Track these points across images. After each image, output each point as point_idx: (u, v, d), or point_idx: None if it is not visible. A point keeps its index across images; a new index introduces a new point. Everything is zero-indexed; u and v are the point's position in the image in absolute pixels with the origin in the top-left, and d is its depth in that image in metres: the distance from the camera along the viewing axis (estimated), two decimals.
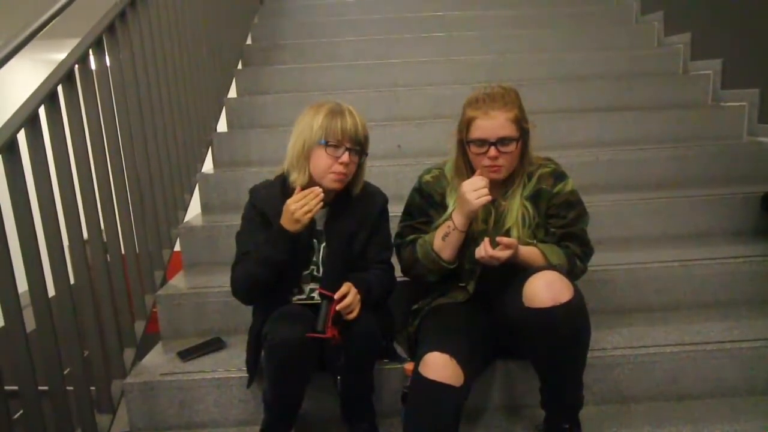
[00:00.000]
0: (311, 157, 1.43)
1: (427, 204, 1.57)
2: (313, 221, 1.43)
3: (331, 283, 1.35)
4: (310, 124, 1.43)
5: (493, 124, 1.42)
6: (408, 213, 1.61)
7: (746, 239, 2.09)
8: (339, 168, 1.41)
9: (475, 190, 1.38)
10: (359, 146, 1.45)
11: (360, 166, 1.49)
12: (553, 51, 3.22)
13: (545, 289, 1.26)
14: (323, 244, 1.50)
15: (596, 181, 2.40)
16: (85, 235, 1.57)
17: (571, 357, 1.33)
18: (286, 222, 1.38)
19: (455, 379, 1.26)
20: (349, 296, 1.31)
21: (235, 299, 1.51)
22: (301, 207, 1.35)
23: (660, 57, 3.12)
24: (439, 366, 1.27)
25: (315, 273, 1.51)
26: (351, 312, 1.31)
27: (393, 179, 2.37)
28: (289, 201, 1.38)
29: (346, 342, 1.33)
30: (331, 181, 1.43)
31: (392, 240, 1.63)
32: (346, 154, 1.42)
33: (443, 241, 1.46)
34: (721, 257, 1.90)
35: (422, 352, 1.31)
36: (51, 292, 1.37)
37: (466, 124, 1.46)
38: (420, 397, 1.31)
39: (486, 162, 1.44)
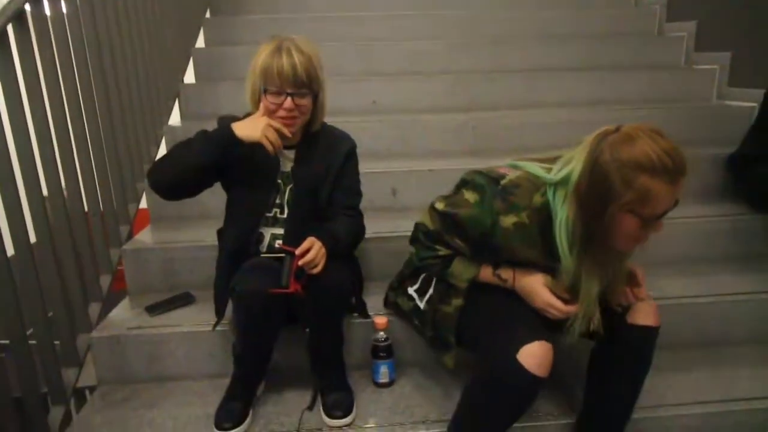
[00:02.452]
0: (260, 100, 1.38)
1: (487, 244, 1.23)
2: (276, 158, 1.40)
3: (297, 232, 1.34)
4: (254, 66, 1.36)
5: (676, 194, 1.07)
6: (457, 227, 1.26)
7: (712, 199, 2.14)
8: (282, 113, 1.36)
9: (551, 306, 1.20)
10: (304, 89, 1.36)
11: (317, 104, 1.44)
12: (529, 8, 3.17)
13: (654, 310, 1.27)
14: (290, 187, 1.47)
15: (569, 140, 2.36)
16: (45, 191, 1.51)
17: (642, 380, 1.30)
18: (240, 125, 1.34)
19: (549, 371, 1.14)
20: (312, 251, 1.30)
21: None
22: (271, 128, 1.33)
23: (636, 17, 3.10)
24: (545, 359, 1.11)
25: (278, 215, 1.48)
26: (315, 267, 1.30)
27: (369, 135, 2.34)
28: (264, 117, 1.35)
29: (313, 295, 1.33)
30: (280, 123, 1.38)
31: (359, 195, 1.60)
32: (288, 99, 1.35)
33: (482, 275, 1.29)
34: (688, 216, 1.94)
35: (519, 339, 1.13)
36: (11, 251, 1.33)
37: (641, 195, 1.04)
38: (511, 388, 1.14)
39: (641, 238, 1.11)
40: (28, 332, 1.38)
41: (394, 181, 2.13)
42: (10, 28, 1.37)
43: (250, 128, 1.34)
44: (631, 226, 1.08)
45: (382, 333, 1.50)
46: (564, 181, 1.13)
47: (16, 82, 1.39)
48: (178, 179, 1.38)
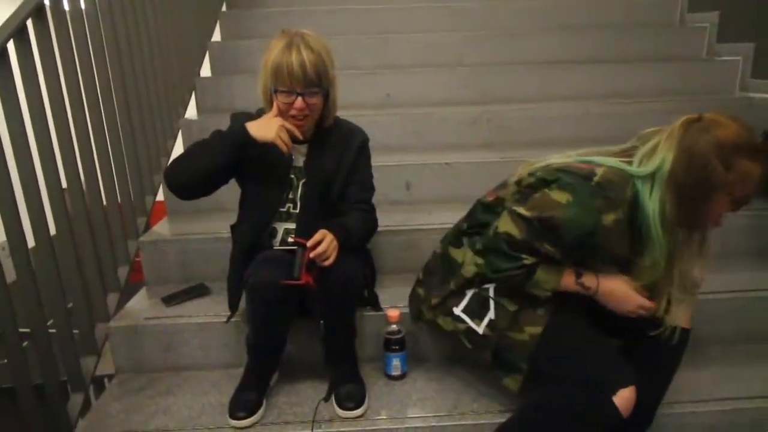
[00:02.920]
0: (273, 99, 1.39)
1: (584, 245, 1.20)
2: (290, 157, 1.42)
3: (309, 226, 1.34)
4: (265, 63, 1.36)
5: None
6: (551, 231, 1.18)
7: None
8: (294, 113, 1.38)
9: (642, 308, 1.24)
10: (315, 87, 1.36)
11: (328, 101, 1.43)
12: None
13: (689, 314, 1.32)
14: (303, 181, 1.48)
15: (585, 134, 2.38)
16: (64, 183, 1.54)
17: (672, 378, 1.35)
18: (254, 125, 1.36)
19: None
20: (323, 243, 1.30)
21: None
22: (284, 129, 1.35)
23: (656, 7, 3.04)
24: (632, 402, 1.16)
25: (291, 210, 1.49)
26: (327, 259, 1.31)
27: (382, 129, 2.34)
28: (278, 118, 1.37)
29: (325, 287, 1.34)
30: (291, 124, 1.40)
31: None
32: (300, 99, 1.35)
33: (564, 283, 1.25)
34: None
35: (615, 380, 1.16)
36: (31, 242, 1.36)
37: (741, 176, 1.08)
38: (599, 426, 1.18)
39: (723, 218, 1.17)
40: (49, 322, 1.42)
41: (408, 175, 2.13)
42: (29, 23, 1.39)
43: (264, 128, 1.36)
44: (724, 207, 1.12)
45: (394, 326, 1.51)
46: (653, 173, 1.14)
47: (36, 77, 1.41)
48: (195, 180, 1.40)
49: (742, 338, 1.66)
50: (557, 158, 1.29)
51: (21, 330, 1.33)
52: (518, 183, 1.32)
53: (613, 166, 1.18)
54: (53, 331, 1.45)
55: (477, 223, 1.38)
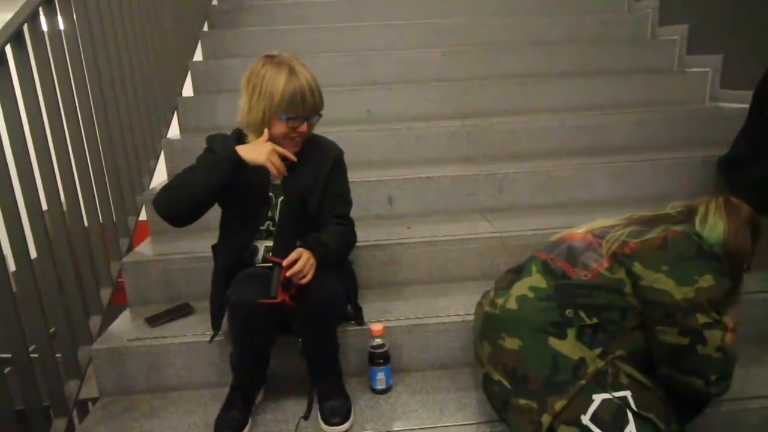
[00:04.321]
0: (271, 126, 1.43)
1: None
2: (267, 174, 1.43)
3: (285, 244, 1.36)
4: (269, 93, 1.38)
5: None
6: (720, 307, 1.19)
7: None
8: (296, 135, 1.44)
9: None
10: (320, 110, 1.46)
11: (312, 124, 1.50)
12: (522, 15, 3.21)
13: None
14: (281, 199, 1.50)
15: (561, 145, 2.44)
16: (45, 205, 1.54)
17: None
18: (245, 149, 1.39)
19: None
20: (299, 262, 1.31)
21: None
22: (276, 153, 1.38)
23: (629, 22, 3.13)
24: None
25: (271, 228, 1.51)
26: (304, 277, 1.32)
27: (364, 144, 2.37)
28: (269, 143, 1.40)
29: (303, 305, 1.35)
30: (288, 147, 1.45)
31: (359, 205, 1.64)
32: (305, 124, 1.43)
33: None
34: None
35: None
36: (12, 266, 1.36)
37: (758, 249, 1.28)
38: None
39: None
40: (31, 347, 1.41)
41: (389, 190, 2.15)
42: (8, 49, 1.40)
43: (256, 152, 1.39)
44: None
45: (378, 340, 1.52)
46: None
47: (15, 98, 1.42)
48: (190, 207, 1.41)
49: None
50: (613, 224, 1.33)
51: (2, 355, 1.32)
52: (614, 256, 1.24)
53: (690, 233, 1.25)
54: (35, 355, 1.44)
55: (593, 306, 1.21)
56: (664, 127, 2.47)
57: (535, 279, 1.30)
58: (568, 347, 1.19)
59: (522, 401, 1.20)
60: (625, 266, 1.21)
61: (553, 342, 1.20)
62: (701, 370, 1.17)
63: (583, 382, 1.16)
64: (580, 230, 1.36)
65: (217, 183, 1.39)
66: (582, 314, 1.21)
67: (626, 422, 1.12)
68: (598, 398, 1.14)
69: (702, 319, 1.15)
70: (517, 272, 1.40)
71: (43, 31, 1.59)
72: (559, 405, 1.15)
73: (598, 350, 1.19)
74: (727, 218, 1.26)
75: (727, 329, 1.18)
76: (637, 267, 1.19)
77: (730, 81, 2.65)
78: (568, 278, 1.26)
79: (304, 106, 1.40)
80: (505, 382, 1.24)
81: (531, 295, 1.27)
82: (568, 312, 1.21)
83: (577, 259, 1.28)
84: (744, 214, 1.29)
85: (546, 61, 2.87)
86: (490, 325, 1.33)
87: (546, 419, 1.16)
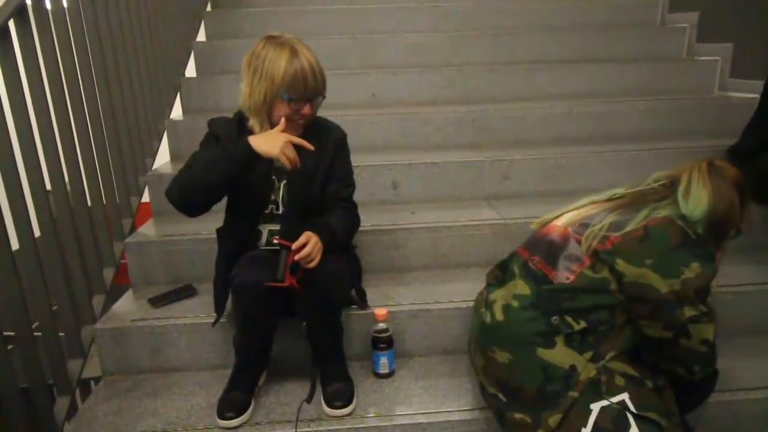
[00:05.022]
0: (273, 109, 1.41)
1: None
2: (256, 159, 1.40)
3: (293, 226, 1.35)
4: (270, 74, 1.36)
5: None
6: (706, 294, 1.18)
7: None
8: (299, 119, 1.41)
9: None
10: (322, 92, 1.44)
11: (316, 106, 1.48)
12: (530, 0, 3.16)
13: None
14: (284, 182, 1.49)
15: (568, 133, 2.42)
16: (49, 185, 1.52)
17: None
18: (259, 140, 1.36)
19: None
20: (308, 246, 1.31)
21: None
22: (290, 145, 1.35)
23: (638, 8, 3.09)
24: None
25: (275, 211, 1.50)
26: (311, 261, 1.32)
27: (368, 128, 2.35)
28: (283, 134, 1.37)
29: (309, 289, 1.35)
30: (291, 130, 1.42)
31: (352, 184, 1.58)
32: (308, 105, 1.41)
33: None
34: None
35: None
36: (15, 245, 1.35)
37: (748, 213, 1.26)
38: None
39: None
40: (34, 325, 1.41)
41: (394, 175, 2.14)
42: (11, 24, 1.38)
43: (269, 144, 1.35)
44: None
45: (382, 324, 1.52)
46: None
47: (19, 78, 1.40)
48: (207, 200, 1.40)
49: (727, 331, 1.67)
50: (594, 212, 1.26)
51: (5, 333, 1.32)
52: (595, 254, 1.19)
53: (674, 218, 1.18)
54: (38, 334, 1.44)
55: (579, 309, 1.18)
56: (672, 116, 2.45)
57: (519, 285, 1.27)
58: (558, 356, 1.16)
59: (517, 415, 1.18)
60: (607, 264, 1.16)
61: (542, 352, 1.17)
62: (684, 360, 1.18)
63: (575, 394, 1.13)
64: (560, 222, 1.31)
65: (231, 176, 1.37)
66: (569, 319, 1.18)
67: (628, 426, 1.09)
68: (596, 407, 1.11)
69: (689, 312, 1.13)
70: (503, 269, 1.39)
71: (46, 9, 1.56)
72: (553, 420, 1.12)
73: (588, 354, 1.16)
74: (711, 184, 1.22)
75: (714, 320, 1.16)
76: (620, 264, 1.15)
77: (740, 70, 2.62)
78: (550, 282, 1.22)
79: (306, 87, 1.38)
80: (500, 395, 1.23)
81: (515, 304, 1.24)
82: (554, 320, 1.18)
83: (557, 260, 1.23)
84: (730, 176, 1.25)
85: (554, 48, 2.84)
86: (482, 335, 1.32)
87: None
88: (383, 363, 1.54)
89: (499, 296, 1.30)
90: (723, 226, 1.23)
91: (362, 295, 1.62)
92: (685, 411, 1.28)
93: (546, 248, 1.28)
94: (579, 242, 1.22)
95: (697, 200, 1.20)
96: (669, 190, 1.26)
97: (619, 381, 1.14)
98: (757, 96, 2.06)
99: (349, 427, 1.37)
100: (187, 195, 1.38)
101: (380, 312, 1.52)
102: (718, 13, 2.78)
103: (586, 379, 1.13)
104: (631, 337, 1.19)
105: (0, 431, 1.34)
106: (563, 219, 1.31)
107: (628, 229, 1.17)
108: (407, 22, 2.98)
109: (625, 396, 1.12)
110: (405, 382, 1.53)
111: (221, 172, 1.36)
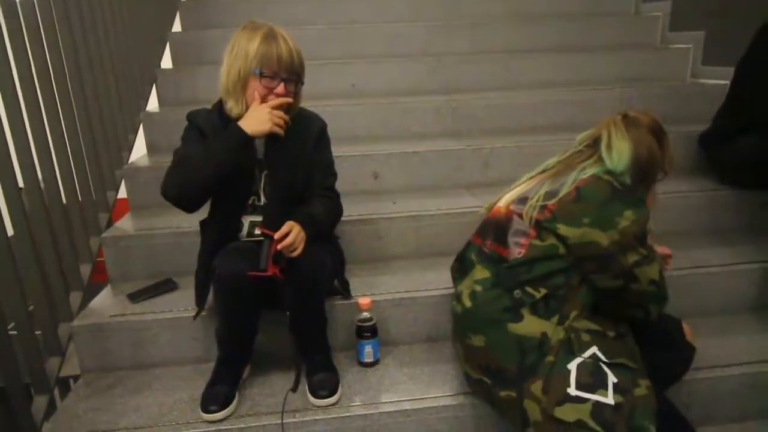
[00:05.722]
0: (247, 86, 1.39)
1: None
2: (253, 147, 1.40)
3: (275, 217, 1.34)
4: (245, 50, 1.36)
5: None
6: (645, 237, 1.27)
7: (686, 175, 2.19)
8: (273, 99, 1.39)
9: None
10: (295, 76, 1.41)
11: (296, 94, 1.46)
12: None
13: None
14: (264, 173, 1.48)
15: (544, 122, 2.44)
16: (21, 182, 1.48)
17: None
18: (248, 122, 1.34)
19: None
20: (290, 236, 1.30)
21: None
22: (274, 114, 1.34)
23: None
24: None
25: (256, 203, 1.49)
26: (294, 250, 1.31)
27: (348, 119, 2.34)
28: (263, 105, 1.35)
29: (293, 278, 1.34)
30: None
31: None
32: (282, 85, 1.39)
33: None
34: (666, 192, 1.99)
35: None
36: None
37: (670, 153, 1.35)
38: None
39: None
40: (10, 324, 1.37)
41: (375, 165, 2.14)
42: None
43: (258, 122, 1.34)
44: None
45: (366, 313, 1.52)
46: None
47: None
48: (201, 192, 1.39)
49: (699, 312, 1.74)
50: (530, 186, 1.32)
51: None
52: (537, 225, 1.24)
53: (600, 174, 1.25)
54: (14, 332, 1.40)
55: (537, 278, 1.23)
56: (646, 102, 2.49)
57: (478, 271, 1.33)
58: (528, 327, 1.20)
59: (503, 393, 1.22)
60: (551, 231, 1.22)
61: (513, 327, 1.21)
62: (639, 304, 1.26)
63: (551, 357, 1.17)
64: (501, 203, 1.36)
65: (230, 166, 1.36)
66: (530, 290, 1.22)
67: (605, 374, 1.15)
68: (572, 366, 1.16)
69: (632, 257, 1.20)
70: (461, 261, 1.45)
71: (14, 1, 1.51)
72: (535, 387, 1.16)
73: (555, 318, 1.21)
74: (629, 135, 1.29)
75: (655, 259, 1.24)
76: (562, 228, 1.21)
77: (712, 57, 2.67)
78: (505, 261, 1.28)
79: (280, 64, 1.36)
80: (485, 379, 1.27)
81: (479, 288, 1.29)
82: (516, 293, 1.23)
83: (506, 239, 1.29)
84: (645, 124, 1.32)
85: (530, 37, 2.85)
86: (458, 326, 1.36)
87: (529, 405, 1.17)
88: (368, 352, 1.54)
89: (464, 286, 1.35)
90: (648, 171, 1.31)
91: (345, 285, 1.62)
92: (663, 387, 1.32)
93: (494, 230, 1.34)
94: (521, 217, 1.28)
95: (619, 152, 1.27)
96: (593, 149, 1.33)
97: (585, 337, 1.20)
98: (728, 82, 2.11)
99: (335, 416, 1.37)
100: (187, 192, 1.37)
101: (364, 301, 1.52)
102: (690, 2, 2.83)
103: (557, 342, 1.19)
104: (588, 294, 1.25)
105: None
106: (504, 199, 1.37)
107: (561, 194, 1.24)
108: (386, 12, 2.96)
109: (594, 349, 1.18)
110: (390, 371, 1.54)
111: (218, 163, 1.34)
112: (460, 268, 1.45)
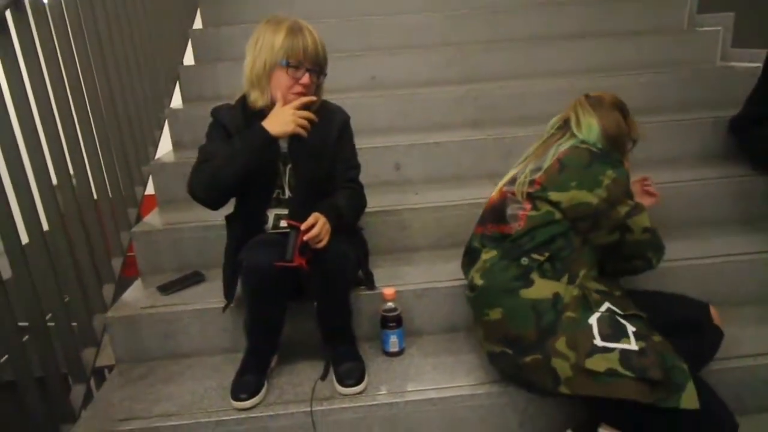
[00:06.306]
0: (272, 78, 1.41)
1: None
2: (277, 142, 1.42)
3: (300, 209, 1.35)
4: (270, 43, 1.38)
5: None
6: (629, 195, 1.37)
7: (715, 161, 2.14)
8: (299, 89, 1.41)
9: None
10: (319, 67, 1.44)
11: (318, 87, 1.49)
12: None
13: None
14: (289, 166, 1.49)
15: None
16: (55, 179, 1.53)
17: None
18: (272, 124, 1.37)
19: None
20: (316, 227, 1.32)
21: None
22: (297, 115, 1.37)
23: None
24: None
25: (281, 196, 1.50)
26: (320, 242, 1.33)
27: (369, 111, 2.35)
28: (286, 106, 1.39)
29: (318, 269, 1.36)
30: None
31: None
32: (307, 75, 1.41)
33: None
34: (693, 179, 1.95)
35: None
36: (24, 239, 1.36)
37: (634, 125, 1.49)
38: None
39: None
40: (47, 316, 1.42)
41: (397, 156, 2.14)
42: (8, 14, 1.37)
43: (281, 123, 1.37)
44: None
45: (390, 303, 1.53)
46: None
47: (20, 72, 1.40)
48: (226, 191, 1.43)
49: (730, 301, 1.69)
50: (517, 170, 1.44)
51: (20, 324, 1.33)
52: (530, 197, 1.36)
53: (577, 144, 1.39)
54: (52, 324, 1.46)
55: (540, 244, 1.31)
56: (675, 87, 2.43)
57: (485, 253, 1.41)
58: (540, 290, 1.28)
59: (528, 359, 1.26)
60: (543, 199, 1.33)
61: (525, 293, 1.28)
62: (637, 253, 1.36)
63: (570, 313, 1.24)
64: (494, 191, 1.48)
65: (254, 166, 1.39)
66: (535, 256, 1.31)
67: (623, 325, 1.23)
68: (593, 320, 1.24)
69: (622, 209, 1.30)
70: (469, 253, 1.52)
71: (43, 2, 1.55)
72: (560, 344, 1.21)
73: (564, 278, 1.30)
74: (594, 111, 1.40)
75: (644, 209, 1.33)
76: (553, 195, 1.32)
77: (742, 40, 2.59)
78: (508, 236, 1.37)
79: (306, 54, 1.39)
80: (507, 350, 1.30)
81: (488, 265, 1.38)
82: (523, 260, 1.32)
83: (504, 216, 1.40)
84: (607, 102, 1.43)
85: (552, 23, 2.81)
86: (475, 306, 1.42)
87: (557, 363, 1.21)
88: (393, 341, 1.55)
89: (474, 272, 1.42)
90: (618, 142, 1.41)
91: (369, 276, 1.63)
92: (695, 369, 1.31)
93: (493, 214, 1.45)
94: (514, 194, 1.39)
95: (588, 126, 1.39)
96: (565, 129, 1.45)
97: (596, 296, 1.31)
98: (760, 65, 2.04)
99: (362, 404, 1.39)
100: (213, 192, 1.41)
101: (388, 291, 1.53)
102: None
103: (572, 298, 1.27)
104: (591, 253, 1.36)
105: (19, 420, 1.36)
106: (496, 188, 1.49)
107: (545, 167, 1.37)
108: (404, 3, 2.94)
109: (607, 304, 1.28)
110: (415, 360, 1.55)
111: (243, 163, 1.38)
112: (469, 261, 1.51)
